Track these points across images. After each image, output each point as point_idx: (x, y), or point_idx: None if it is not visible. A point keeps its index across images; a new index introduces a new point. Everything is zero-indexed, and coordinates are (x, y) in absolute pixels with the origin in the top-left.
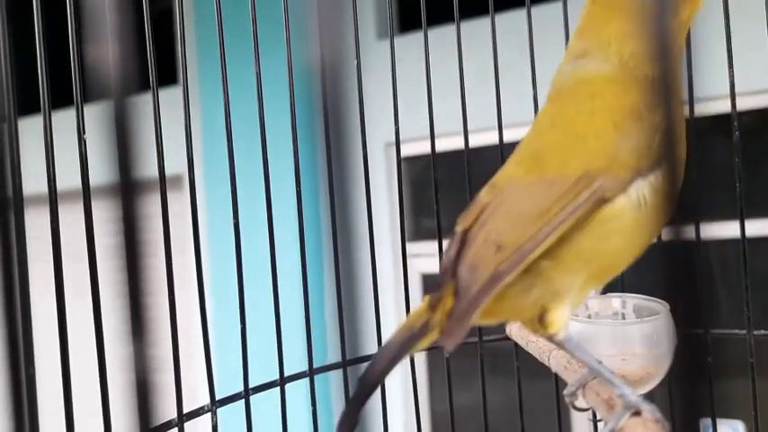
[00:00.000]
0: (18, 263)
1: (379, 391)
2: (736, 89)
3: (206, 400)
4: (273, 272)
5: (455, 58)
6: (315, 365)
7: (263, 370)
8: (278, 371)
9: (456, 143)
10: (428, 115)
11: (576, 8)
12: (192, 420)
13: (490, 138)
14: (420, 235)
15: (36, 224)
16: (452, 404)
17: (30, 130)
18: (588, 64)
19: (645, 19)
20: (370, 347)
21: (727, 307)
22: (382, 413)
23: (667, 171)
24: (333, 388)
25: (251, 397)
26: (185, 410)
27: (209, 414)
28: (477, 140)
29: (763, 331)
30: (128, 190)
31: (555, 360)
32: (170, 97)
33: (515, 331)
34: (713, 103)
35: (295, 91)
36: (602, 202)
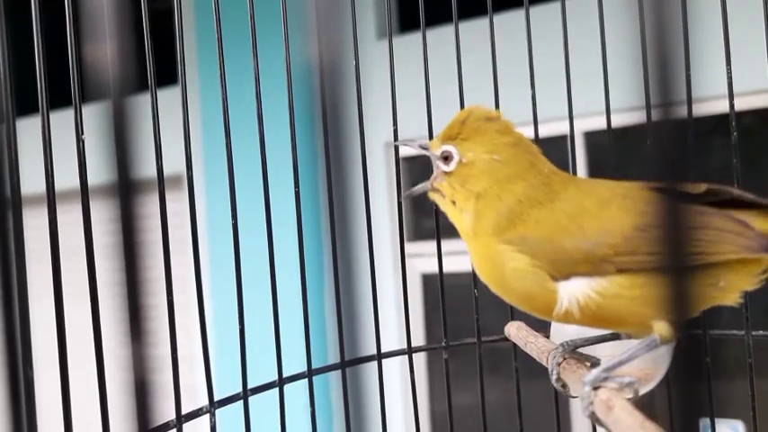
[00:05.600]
0: (16, 263)
1: (377, 390)
2: (735, 89)
3: (205, 401)
4: (272, 272)
5: (454, 58)
6: (314, 366)
7: (262, 371)
8: (277, 372)
9: None
10: (427, 115)
11: (575, 8)
12: (191, 421)
13: None
14: (420, 235)
15: (34, 224)
16: (451, 404)
17: (28, 130)
18: None
19: None
20: (370, 348)
21: (725, 308)
22: (381, 413)
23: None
24: (332, 389)
25: (250, 398)
26: (184, 411)
27: (207, 415)
28: None
29: (761, 332)
30: (126, 190)
31: None
32: (171, 97)
33: (514, 332)
34: (711, 103)
35: (294, 90)
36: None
